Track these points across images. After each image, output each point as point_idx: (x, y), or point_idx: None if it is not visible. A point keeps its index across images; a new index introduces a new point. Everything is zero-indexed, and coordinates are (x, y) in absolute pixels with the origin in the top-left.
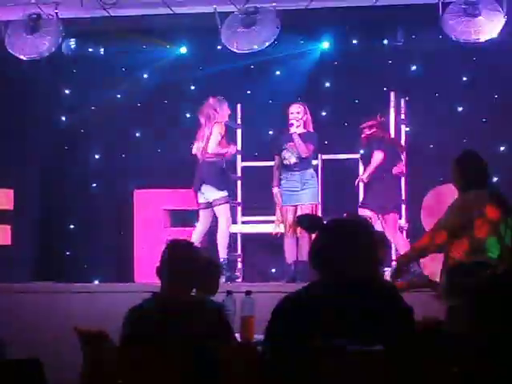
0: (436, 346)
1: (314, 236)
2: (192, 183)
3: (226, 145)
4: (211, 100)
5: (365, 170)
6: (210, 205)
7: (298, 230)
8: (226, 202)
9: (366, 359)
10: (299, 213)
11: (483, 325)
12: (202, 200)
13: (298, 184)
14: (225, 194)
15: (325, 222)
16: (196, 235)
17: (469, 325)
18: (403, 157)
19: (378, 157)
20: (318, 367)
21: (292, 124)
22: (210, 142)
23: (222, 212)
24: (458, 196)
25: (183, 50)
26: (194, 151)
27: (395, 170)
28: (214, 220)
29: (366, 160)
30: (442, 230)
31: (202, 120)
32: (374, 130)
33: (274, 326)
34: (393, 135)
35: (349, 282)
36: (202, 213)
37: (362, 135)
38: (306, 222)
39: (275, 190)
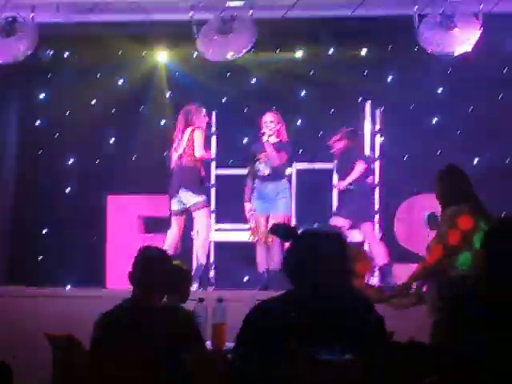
0: (411, 357)
1: (285, 245)
2: (167, 189)
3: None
4: (189, 106)
5: (343, 178)
6: (183, 212)
7: (269, 238)
8: (206, 206)
9: (336, 368)
10: (271, 222)
11: (455, 338)
12: (175, 207)
13: (271, 194)
14: (204, 198)
15: (299, 232)
16: (168, 242)
17: (444, 337)
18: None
19: (360, 167)
20: (288, 375)
21: (264, 133)
22: (195, 147)
23: (202, 216)
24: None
25: (159, 56)
26: (174, 160)
27: (370, 180)
28: (187, 228)
29: (345, 169)
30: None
31: (179, 126)
32: (345, 140)
33: (244, 334)
34: (367, 145)
35: (321, 292)
36: (174, 219)
37: (333, 150)
38: (280, 230)
39: (247, 205)
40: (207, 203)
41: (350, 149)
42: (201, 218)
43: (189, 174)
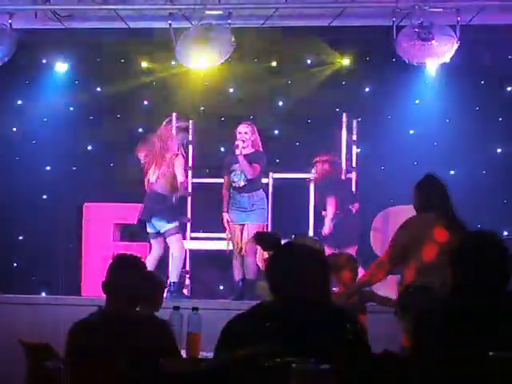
0: (385, 369)
1: (257, 255)
2: (143, 198)
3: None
4: (163, 129)
5: (324, 219)
6: (159, 234)
7: (244, 248)
8: (178, 233)
9: (311, 378)
10: (246, 232)
11: (418, 349)
12: (150, 230)
13: (246, 205)
14: (176, 224)
15: (282, 243)
16: (150, 263)
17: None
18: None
19: (331, 203)
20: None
21: (238, 145)
22: (178, 174)
23: (175, 241)
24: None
25: (138, 64)
26: (150, 180)
27: (354, 208)
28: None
29: (319, 199)
30: (388, 260)
31: (155, 150)
32: (326, 166)
33: (222, 346)
34: (343, 163)
35: (300, 304)
36: (153, 241)
37: (314, 171)
38: (264, 239)
39: (225, 216)
40: (179, 229)
41: (326, 180)
42: (174, 243)
43: (161, 202)
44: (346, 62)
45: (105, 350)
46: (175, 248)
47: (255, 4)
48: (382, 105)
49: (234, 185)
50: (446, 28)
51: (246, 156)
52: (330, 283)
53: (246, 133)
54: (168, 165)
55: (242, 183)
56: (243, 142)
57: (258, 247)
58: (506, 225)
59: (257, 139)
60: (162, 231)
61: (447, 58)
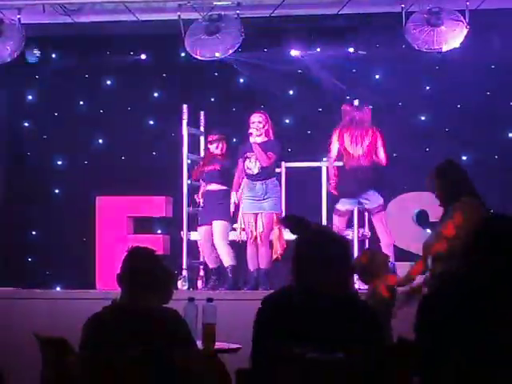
0: (400, 356)
1: (275, 246)
2: (155, 189)
3: None
4: None
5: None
6: None
7: (259, 238)
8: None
9: (327, 366)
10: (260, 221)
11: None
12: None
13: (260, 193)
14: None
15: (309, 228)
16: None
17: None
18: None
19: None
20: (280, 374)
21: (251, 133)
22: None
23: None
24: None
25: (147, 56)
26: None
27: None
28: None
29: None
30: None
31: None
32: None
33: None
34: None
35: (321, 291)
36: None
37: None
38: (291, 222)
39: (233, 195)
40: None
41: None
42: None
43: None
44: (355, 49)
45: (119, 343)
46: None
47: None
48: (393, 92)
49: (247, 172)
50: (455, 13)
51: (260, 144)
52: (348, 270)
53: (259, 122)
54: None
55: (256, 170)
56: (256, 130)
57: (273, 237)
58: None
59: (269, 128)
60: None
61: (457, 44)
